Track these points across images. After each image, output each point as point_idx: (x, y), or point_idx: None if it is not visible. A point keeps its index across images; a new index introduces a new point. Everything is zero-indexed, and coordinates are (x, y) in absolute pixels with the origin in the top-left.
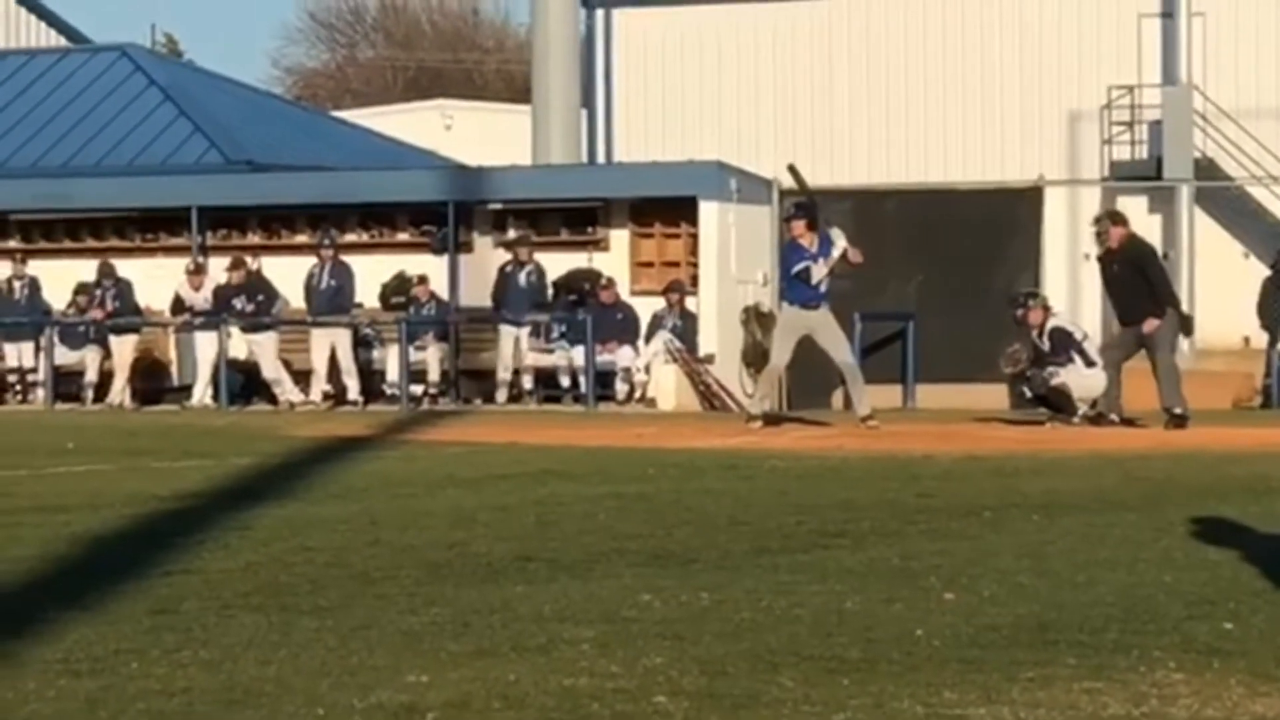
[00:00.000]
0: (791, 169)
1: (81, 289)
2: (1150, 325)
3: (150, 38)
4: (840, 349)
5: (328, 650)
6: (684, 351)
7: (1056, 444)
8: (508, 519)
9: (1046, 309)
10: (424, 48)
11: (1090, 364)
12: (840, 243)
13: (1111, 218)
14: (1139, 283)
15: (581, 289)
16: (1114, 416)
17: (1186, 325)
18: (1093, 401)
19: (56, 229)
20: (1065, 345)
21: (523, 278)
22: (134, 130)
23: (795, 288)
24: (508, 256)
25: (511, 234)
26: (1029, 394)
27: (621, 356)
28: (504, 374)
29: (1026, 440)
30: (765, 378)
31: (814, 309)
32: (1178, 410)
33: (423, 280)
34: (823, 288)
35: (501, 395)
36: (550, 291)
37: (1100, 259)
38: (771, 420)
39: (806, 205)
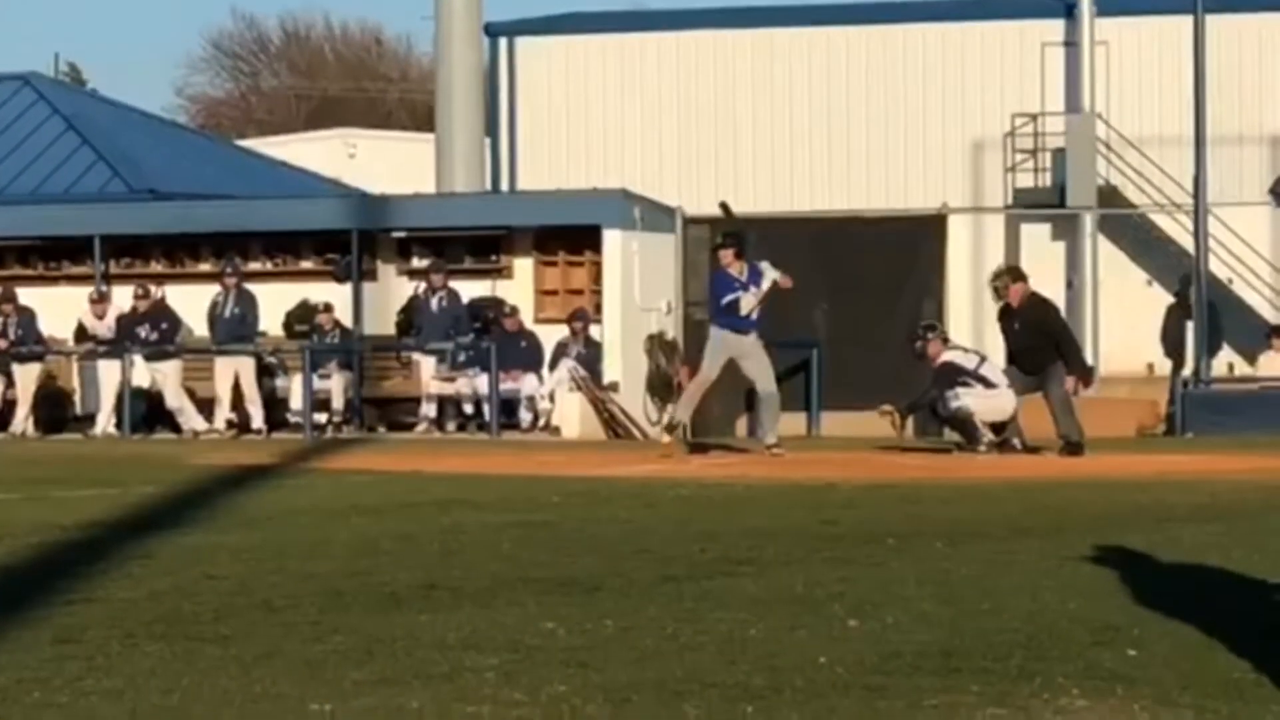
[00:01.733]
0: (723, 206)
1: None
2: (1070, 384)
3: (54, 66)
4: (765, 378)
5: (231, 679)
6: (588, 380)
7: (961, 472)
8: (412, 547)
9: (945, 341)
10: (327, 76)
11: (990, 385)
12: (770, 274)
13: (1011, 274)
14: (1040, 339)
15: (485, 317)
16: (1016, 443)
17: (1087, 378)
18: (999, 426)
19: None
20: (951, 379)
21: (434, 303)
22: (37, 159)
23: (725, 315)
24: (412, 285)
25: (416, 262)
26: (940, 414)
27: (526, 384)
28: (428, 402)
29: (931, 468)
30: (695, 386)
31: (744, 335)
32: (1074, 438)
33: (328, 308)
34: (753, 316)
35: (422, 425)
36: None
37: (1000, 315)
38: (687, 440)
39: (735, 234)
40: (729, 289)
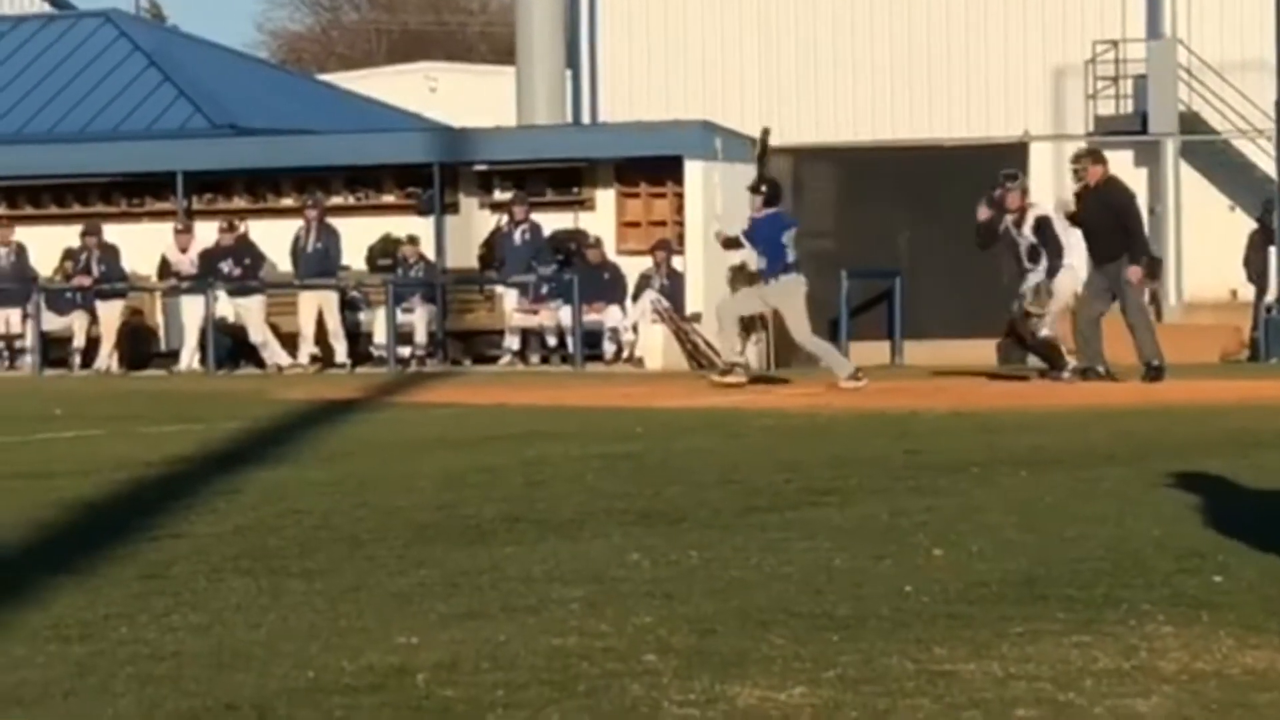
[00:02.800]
0: (764, 135)
1: (69, 255)
2: (1134, 273)
3: (134, 3)
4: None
5: (317, 613)
6: (671, 310)
7: (1043, 399)
8: (496, 480)
9: (1026, 194)
10: (408, 10)
11: (1054, 268)
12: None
13: (1091, 155)
14: (1111, 223)
15: (568, 249)
16: (1099, 369)
17: (1153, 269)
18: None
19: (42, 195)
20: (1050, 237)
21: (518, 236)
22: (119, 96)
23: (782, 257)
24: (494, 218)
25: (498, 195)
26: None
27: (609, 316)
28: (511, 335)
29: (1013, 395)
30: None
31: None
32: (1155, 362)
33: (412, 241)
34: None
35: (506, 358)
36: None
37: (1077, 195)
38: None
39: (772, 183)
40: (788, 225)
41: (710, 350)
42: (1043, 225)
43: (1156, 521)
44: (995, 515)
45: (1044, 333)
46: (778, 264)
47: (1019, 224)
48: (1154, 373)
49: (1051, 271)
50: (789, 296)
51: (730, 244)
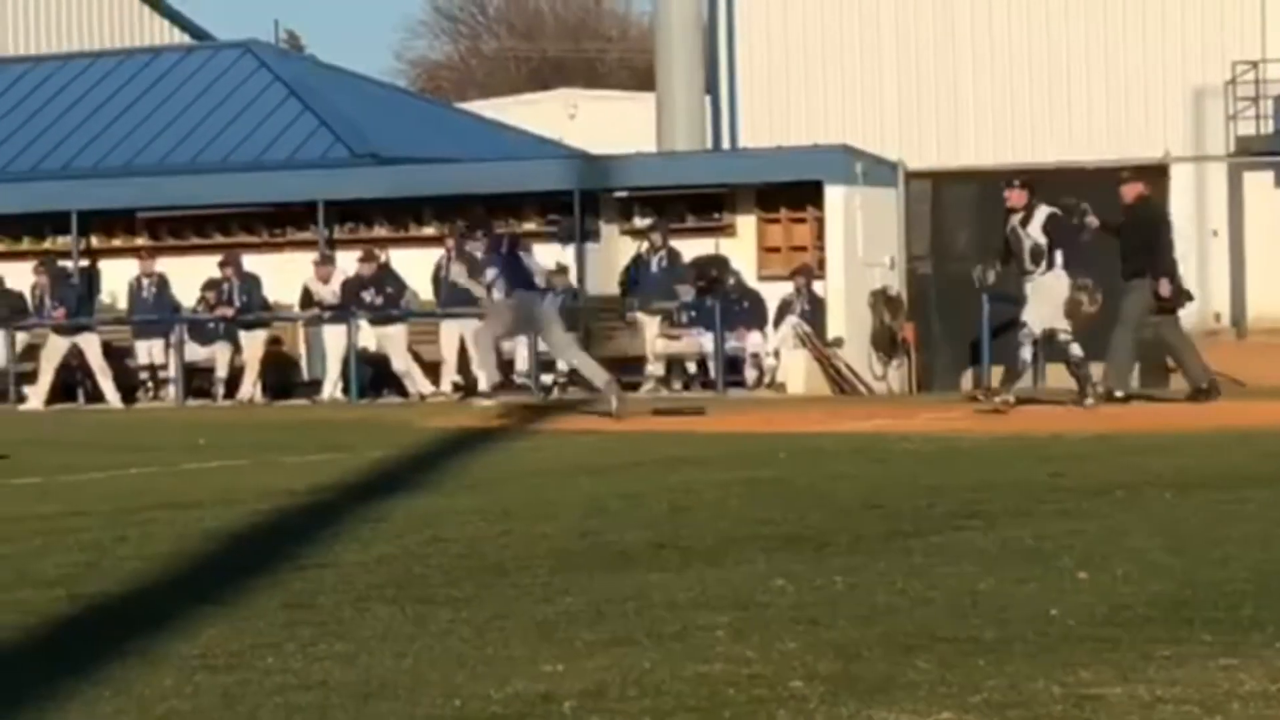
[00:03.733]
0: None
1: (210, 285)
2: (1164, 286)
3: (274, 34)
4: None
5: (463, 641)
6: (812, 335)
7: (1185, 421)
8: (640, 507)
9: (1033, 192)
10: (547, 38)
11: (1052, 265)
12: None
13: (1132, 171)
14: (1139, 238)
15: (709, 275)
16: (1119, 393)
17: (1177, 297)
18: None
19: (184, 226)
20: (1062, 234)
21: (655, 263)
22: (259, 127)
23: None
24: (635, 244)
25: (638, 221)
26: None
27: (750, 342)
28: (654, 363)
29: (1156, 417)
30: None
31: None
32: (1199, 384)
33: (561, 270)
34: None
35: (649, 384)
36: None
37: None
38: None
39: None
40: None
41: (853, 375)
42: (1053, 223)
43: None
44: (1140, 538)
45: (1075, 352)
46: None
47: (1025, 223)
48: (1197, 395)
49: (1049, 266)
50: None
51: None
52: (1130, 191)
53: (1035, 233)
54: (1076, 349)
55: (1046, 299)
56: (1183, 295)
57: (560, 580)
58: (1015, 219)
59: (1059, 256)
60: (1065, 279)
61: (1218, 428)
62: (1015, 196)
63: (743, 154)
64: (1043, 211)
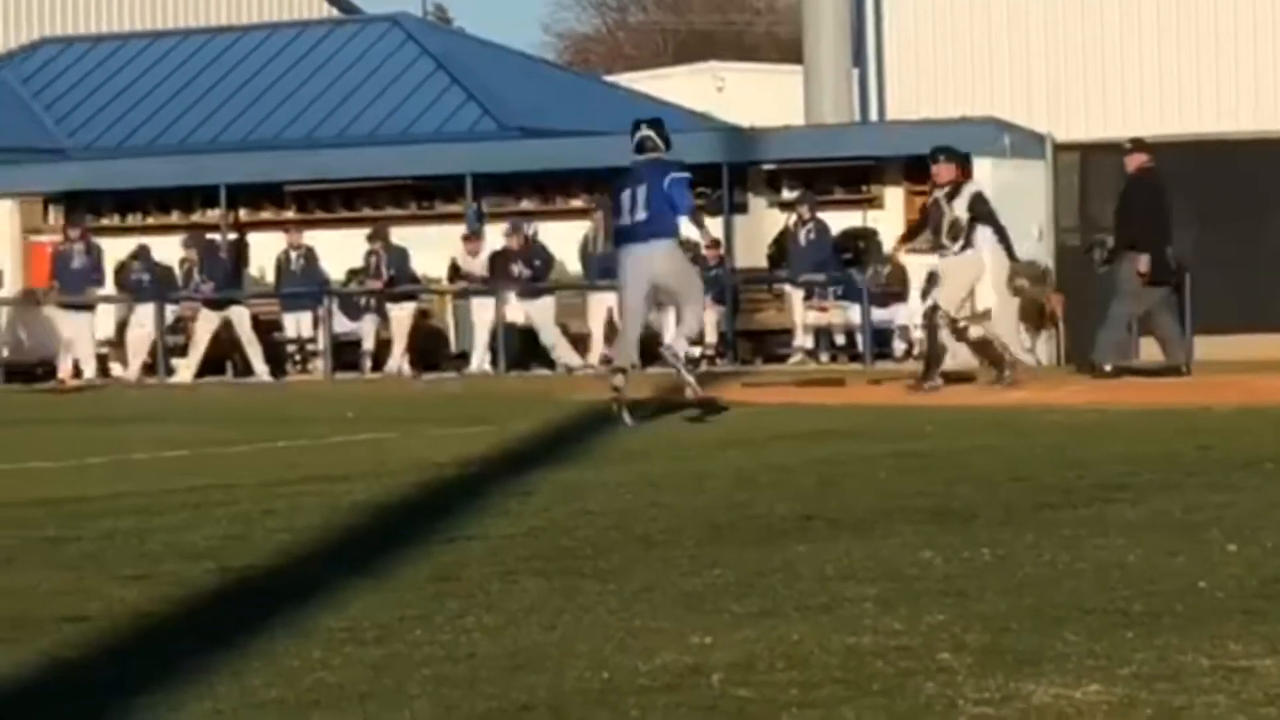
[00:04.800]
0: None
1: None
2: (1140, 262)
3: (421, 7)
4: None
5: (611, 613)
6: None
7: None
8: (788, 479)
9: (965, 169)
10: (694, 10)
11: (969, 244)
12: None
13: (1135, 143)
14: (1135, 213)
15: (856, 248)
16: (1106, 367)
17: (1166, 274)
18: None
19: (332, 199)
20: (986, 213)
21: (803, 235)
22: (407, 100)
23: None
24: (783, 217)
25: (786, 194)
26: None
27: (899, 314)
28: (802, 335)
29: None
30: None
31: None
32: (1104, 365)
33: (714, 245)
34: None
35: (797, 357)
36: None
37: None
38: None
39: None
40: None
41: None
42: (978, 201)
43: None
44: None
45: (974, 334)
46: None
47: (951, 197)
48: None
49: (966, 246)
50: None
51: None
52: (1133, 162)
53: (959, 208)
54: (975, 331)
55: (955, 279)
56: (1170, 272)
57: (708, 552)
58: (940, 193)
59: (980, 237)
60: (982, 261)
61: None
62: (943, 171)
63: (890, 126)
64: (970, 188)
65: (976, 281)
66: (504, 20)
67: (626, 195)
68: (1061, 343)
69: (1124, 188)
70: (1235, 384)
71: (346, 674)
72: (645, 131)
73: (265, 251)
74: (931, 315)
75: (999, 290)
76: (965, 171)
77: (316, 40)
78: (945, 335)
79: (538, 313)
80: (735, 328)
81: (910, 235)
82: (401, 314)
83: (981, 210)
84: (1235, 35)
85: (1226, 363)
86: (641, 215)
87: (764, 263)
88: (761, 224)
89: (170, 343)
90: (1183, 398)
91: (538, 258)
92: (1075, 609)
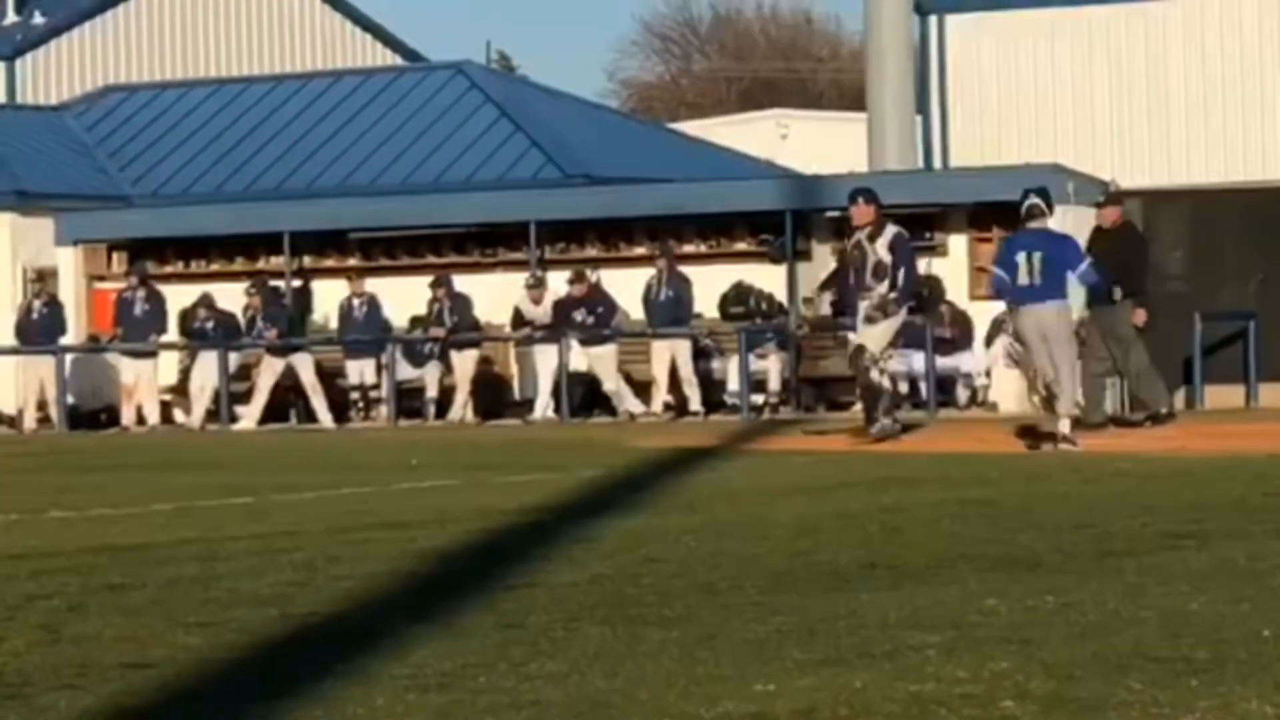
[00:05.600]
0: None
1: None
2: (1139, 316)
3: (485, 54)
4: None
5: (674, 661)
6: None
7: None
8: (851, 526)
9: (881, 209)
10: (757, 58)
11: (895, 286)
12: None
13: (1110, 199)
14: (1118, 265)
15: (920, 295)
16: (1163, 410)
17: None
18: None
19: (396, 246)
20: (905, 255)
21: None
22: (471, 146)
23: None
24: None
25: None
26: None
27: (963, 361)
28: None
29: None
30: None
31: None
32: (1157, 408)
33: (808, 302)
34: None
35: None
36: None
37: (1090, 240)
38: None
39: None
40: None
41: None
42: (898, 242)
43: None
44: None
45: (876, 377)
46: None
47: (873, 238)
48: (1157, 418)
49: (901, 298)
50: None
51: None
52: (1110, 216)
53: (881, 249)
54: (877, 376)
55: (889, 323)
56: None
57: (771, 600)
58: (862, 234)
59: (900, 278)
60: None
61: None
62: (861, 212)
63: (954, 174)
64: (890, 229)
65: (900, 322)
66: (568, 67)
67: (1022, 258)
68: (1125, 391)
69: (1105, 241)
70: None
71: None
72: (1033, 200)
73: (329, 298)
74: (858, 357)
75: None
76: (883, 213)
77: (381, 88)
78: (877, 375)
79: (600, 360)
80: (799, 375)
81: (831, 281)
82: (465, 361)
83: (902, 251)
84: None
85: None
86: (1039, 280)
87: (827, 310)
88: (826, 271)
89: (234, 390)
90: (1250, 445)
91: (601, 305)
92: (1139, 656)
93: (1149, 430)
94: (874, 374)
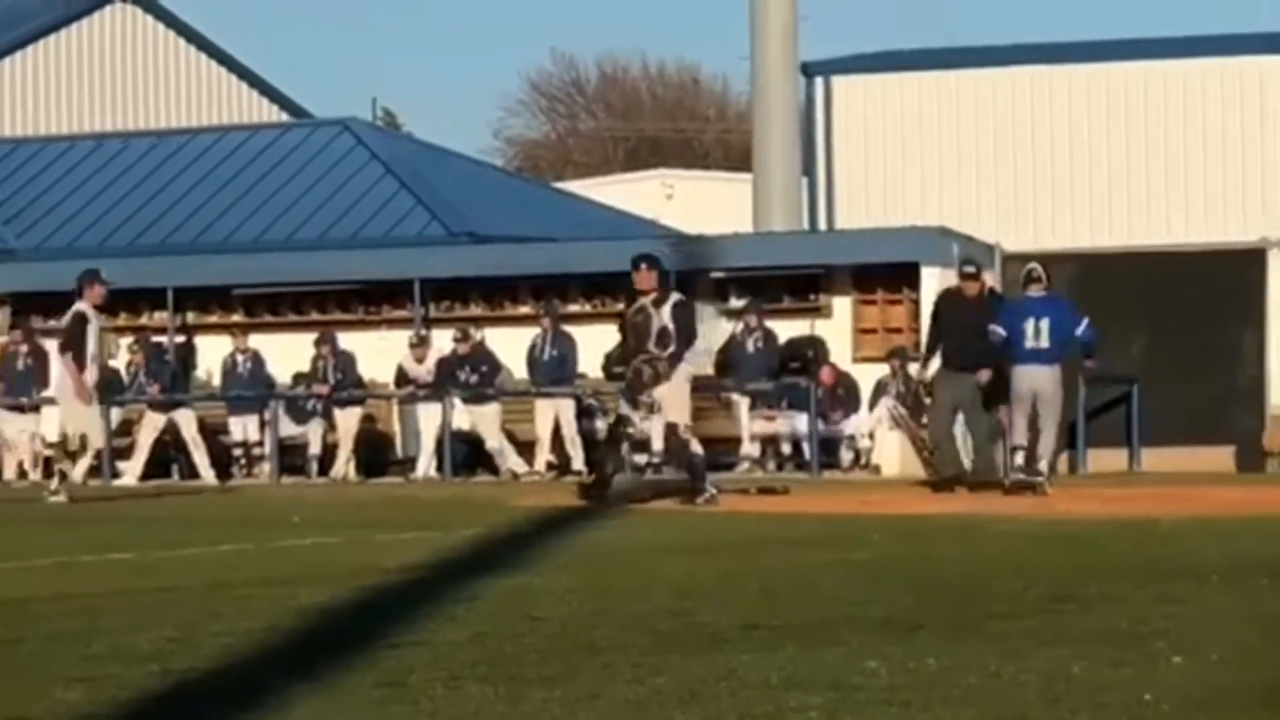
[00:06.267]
0: None
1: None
2: (983, 376)
3: (371, 111)
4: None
5: None
6: (907, 418)
7: None
8: (733, 587)
9: (664, 275)
10: (644, 117)
11: (679, 355)
12: None
13: (979, 269)
14: (975, 334)
15: (804, 356)
16: (959, 473)
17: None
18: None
19: (280, 303)
20: (687, 322)
21: (751, 344)
22: (356, 204)
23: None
24: (730, 325)
25: (734, 302)
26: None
27: (846, 423)
28: (749, 443)
29: (1255, 502)
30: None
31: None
32: (982, 475)
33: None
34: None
35: (744, 465)
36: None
37: (946, 303)
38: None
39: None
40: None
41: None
42: (681, 309)
43: None
44: (1236, 622)
45: (696, 447)
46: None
47: (658, 304)
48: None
49: (675, 359)
50: None
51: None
52: (976, 287)
53: (666, 316)
54: (697, 445)
55: (679, 393)
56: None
57: (653, 660)
58: (647, 300)
59: (675, 339)
60: (689, 370)
61: None
62: (644, 278)
63: (839, 235)
64: (674, 297)
65: (689, 389)
66: (454, 125)
67: (1030, 324)
68: (1009, 454)
69: (966, 310)
70: (1184, 496)
71: None
72: (1033, 266)
73: (212, 354)
74: (673, 434)
75: None
76: (666, 280)
77: (266, 144)
78: (696, 445)
79: (483, 418)
80: None
81: (619, 350)
82: (348, 418)
83: (683, 318)
84: (1185, 152)
85: (1175, 474)
86: (1045, 343)
87: (711, 370)
88: (709, 332)
89: (116, 445)
90: (1132, 509)
91: (484, 363)
92: None
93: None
94: (693, 445)
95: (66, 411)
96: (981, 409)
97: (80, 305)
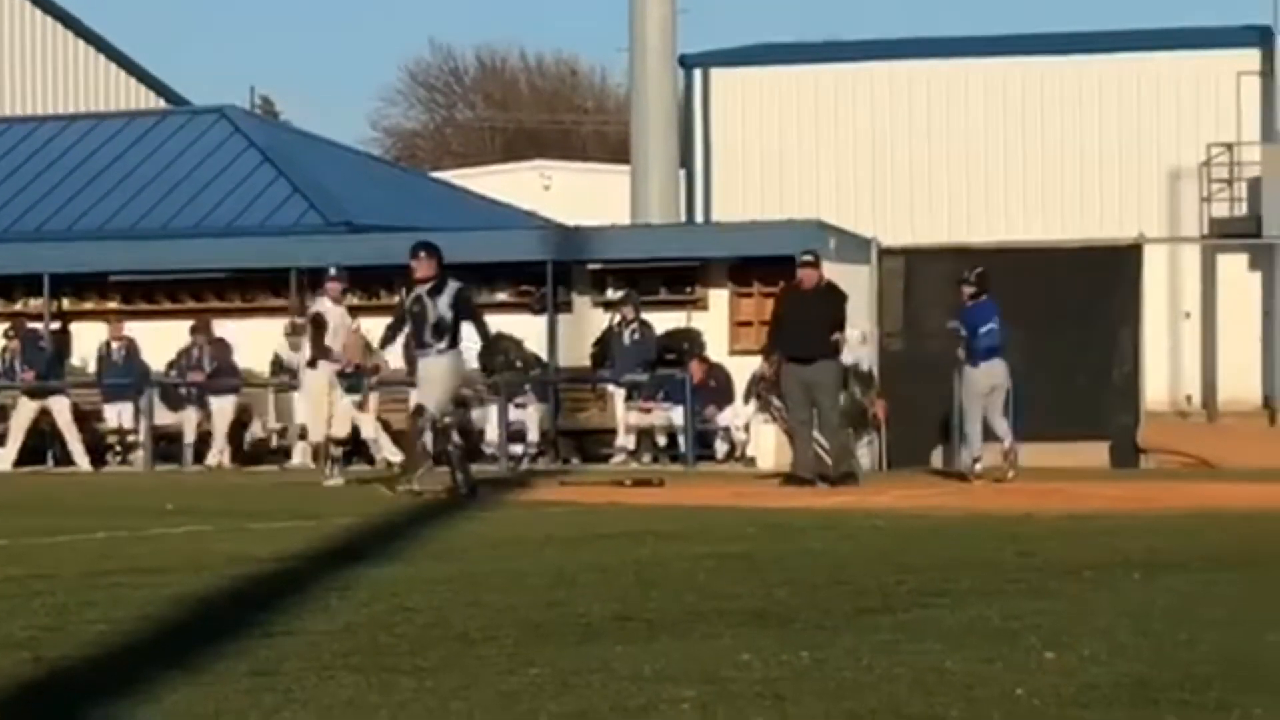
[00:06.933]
0: None
1: (183, 354)
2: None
3: (249, 100)
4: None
5: (427, 711)
6: (783, 410)
7: (1158, 501)
8: (607, 579)
9: (442, 263)
10: (522, 108)
11: (455, 344)
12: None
13: (814, 257)
14: (827, 324)
15: (680, 349)
16: (806, 475)
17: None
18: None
19: (156, 290)
20: (473, 311)
21: (627, 336)
22: (233, 192)
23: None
24: (608, 316)
25: (611, 293)
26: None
27: (722, 416)
28: (625, 435)
29: (1127, 498)
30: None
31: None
32: (844, 468)
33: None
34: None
35: (619, 457)
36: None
37: (787, 297)
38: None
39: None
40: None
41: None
42: (463, 299)
43: (1271, 626)
44: (1108, 618)
45: (429, 440)
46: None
47: (434, 294)
48: (846, 479)
49: (452, 345)
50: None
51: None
52: (813, 277)
53: (443, 306)
54: (458, 437)
55: (440, 381)
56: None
57: (526, 651)
58: (423, 289)
59: (463, 334)
60: (463, 359)
61: (1188, 510)
62: (424, 266)
63: (716, 228)
64: (453, 285)
65: (459, 378)
66: (331, 114)
67: (996, 324)
68: (884, 447)
69: (807, 300)
70: (1058, 491)
71: None
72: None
73: (88, 341)
74: (417, 418)
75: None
76: (444, 269)
77: (143, 131)
78: (429, 439)
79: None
80: (557, 426)
81: (390, 333)
82: (223, 407)
83: (467, 308)
84: (1061, 149)
85: (1050, 469)
86: (999, 343)
87: (587, 362)
88: (585, 323)
89: None
90: (1006, 504)
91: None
92: (893, 714)
93: (832, 490)
94: (427, 436)
95: None
96: (833, 396)
97: None
